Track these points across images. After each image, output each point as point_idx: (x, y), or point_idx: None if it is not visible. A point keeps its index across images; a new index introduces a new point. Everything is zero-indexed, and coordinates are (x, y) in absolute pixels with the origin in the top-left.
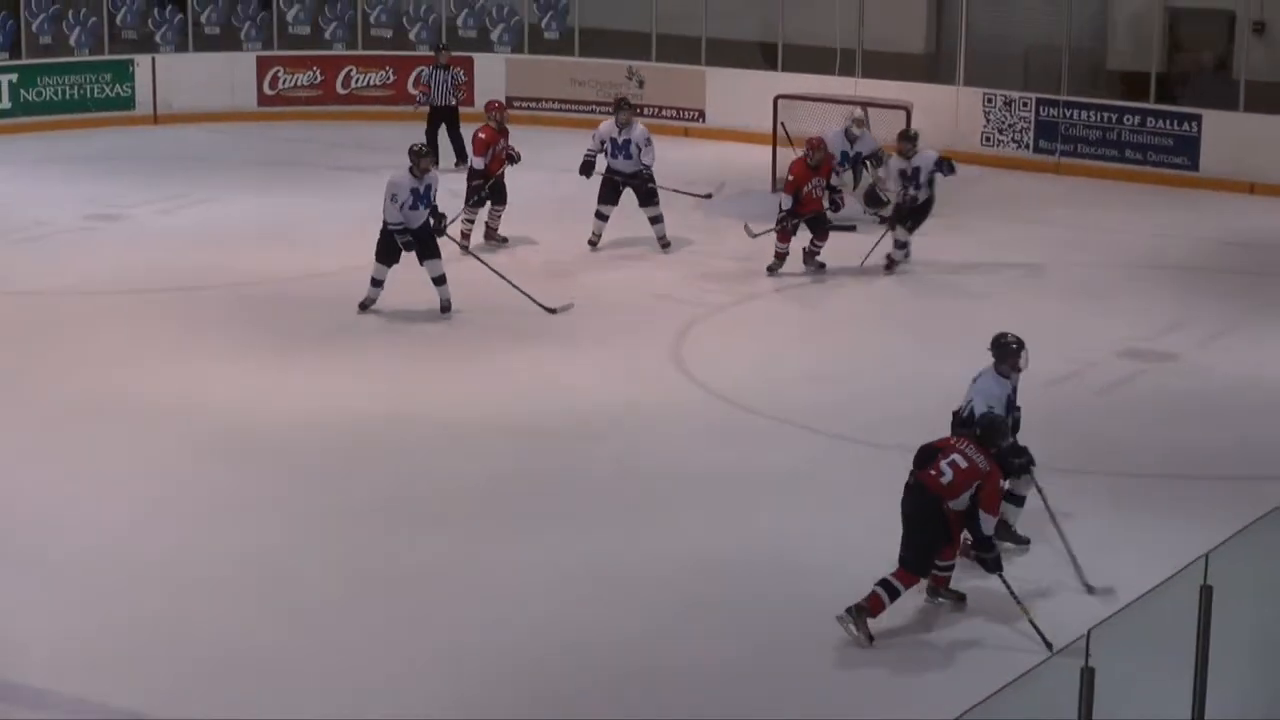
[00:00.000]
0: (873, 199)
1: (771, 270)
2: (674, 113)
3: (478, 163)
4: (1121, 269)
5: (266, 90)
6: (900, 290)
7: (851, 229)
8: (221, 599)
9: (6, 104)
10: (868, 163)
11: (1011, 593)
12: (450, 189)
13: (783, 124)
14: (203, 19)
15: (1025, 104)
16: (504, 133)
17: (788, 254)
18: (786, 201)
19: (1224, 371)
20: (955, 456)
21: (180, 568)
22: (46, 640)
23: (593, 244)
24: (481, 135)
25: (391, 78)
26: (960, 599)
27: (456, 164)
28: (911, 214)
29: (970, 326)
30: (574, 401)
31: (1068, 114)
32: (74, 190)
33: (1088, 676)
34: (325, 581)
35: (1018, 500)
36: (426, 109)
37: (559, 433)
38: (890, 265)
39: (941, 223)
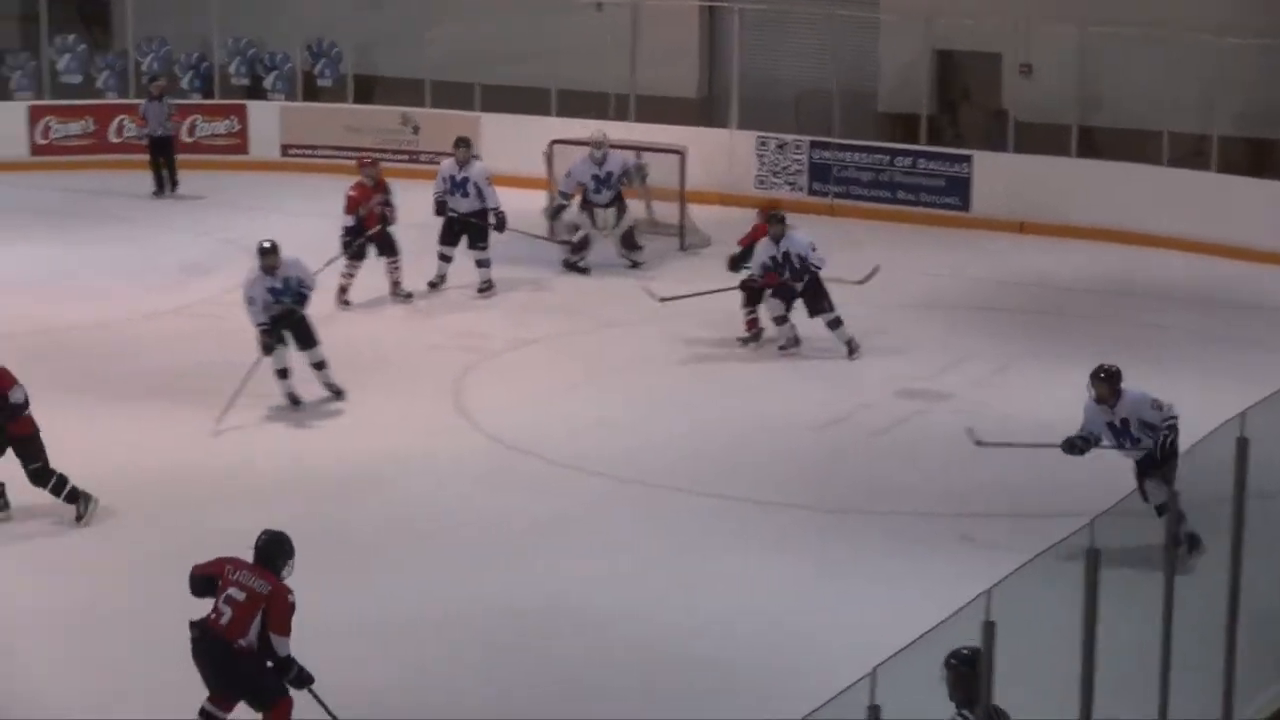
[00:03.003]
0: (629, 242)
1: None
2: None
3: (348, 220)
4: (896, 310)
5: (38, 139)
6: (672, 333)
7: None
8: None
9: None
10: (623, 183)
11: (326, 709)
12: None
13: (549, 153)
14: None
15: (798, 147)
16: (379, 187)
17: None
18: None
19: (1000, 410)
20: (231, 590)
21: None
22: None
23: (434, 285)
24: (352, 193)
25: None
26: None
27: (170, 190)
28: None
29: (744, 371)
30: (359, 447)
31: (840, 156)
32: None
33: (874, 714)
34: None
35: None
36: (145, 140)
37: (339, 481)
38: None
39: (716, 265)
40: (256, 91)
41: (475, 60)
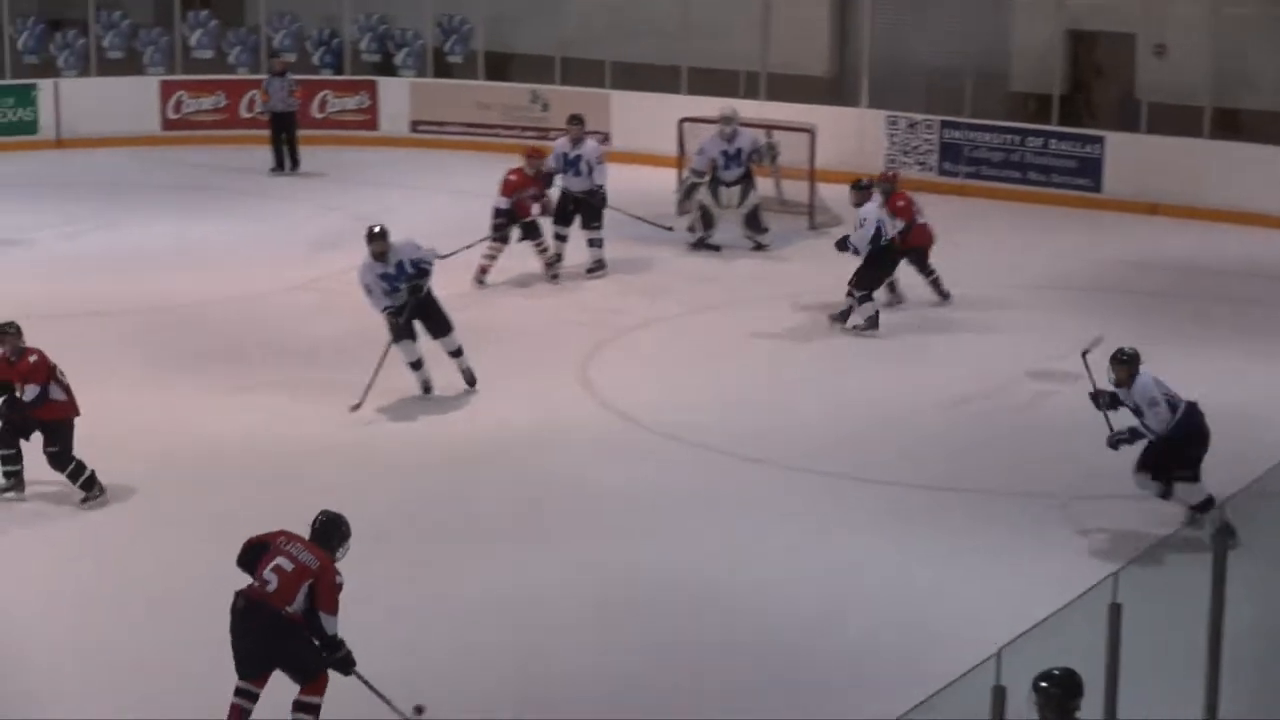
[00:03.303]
0: (753, 223)
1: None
2: None
3: (502, 202)
4: (1026, 290)
5: (170, 114)
6: (808, 313)
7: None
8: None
9: None
10: (754, 161)
11: (377, 693)
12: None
13: (680, 129)
14: (105, 43)
15: (929, 126)
16: (536, 180)
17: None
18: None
19: None
20: (280, 559)
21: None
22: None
23: (551, 264)
24: (512, 177)
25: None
26: None
27: (290, 169)
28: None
29: (875, 348)
30: (487, 421)
31: (971, 136)
32: None
33: (999, 695)
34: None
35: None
36: (267, 116)
37: (473, 458)
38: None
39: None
40: (386, 68)
41: (606, 36)
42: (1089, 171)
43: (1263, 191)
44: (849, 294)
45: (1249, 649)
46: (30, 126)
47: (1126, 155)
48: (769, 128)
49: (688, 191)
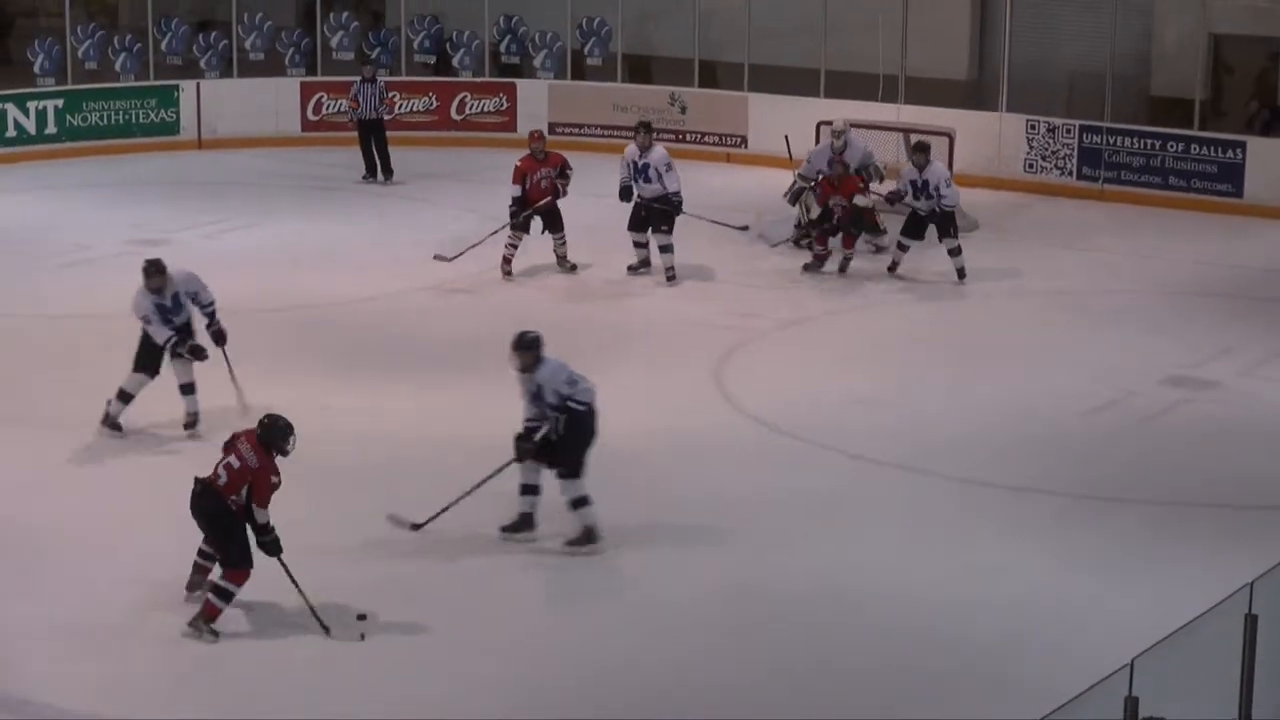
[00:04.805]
0: (869, 227)
1: (808, 268)
2: (716, 139)
3: (514, 190)
4: (1164, 296)
5: (310, 115)
6: (942, 315)
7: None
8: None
9: (53, 129)
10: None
11: (291, 579)
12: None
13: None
14: (247, 45)
15: (1068, 130)
16: (545, 162)
17: (827, 255)
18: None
19: (1268, 399)
20: (230, 458)
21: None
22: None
23: (633, 269)
24: (519, 164)
25: (435, 104)
26: (214, 635)
27: (381, 178)
28: (920, 223)
29: (1010, 352)
30: (617, 425)
31: (1111, 140)
32: (118, 215)
33: (1132, 706)
34: (363, 594)
35: None
36: (356, 122)
37: (603, 457)
38: (894, 266)
39: (984, 248)
40: (526, 70)
41: (745, 39)
42: (1230, 177)
43: None
44: (901, 245)
45: None
46: (172, 127)
47: (1268, 161)
48: (907, 131)
49: (795, 196)
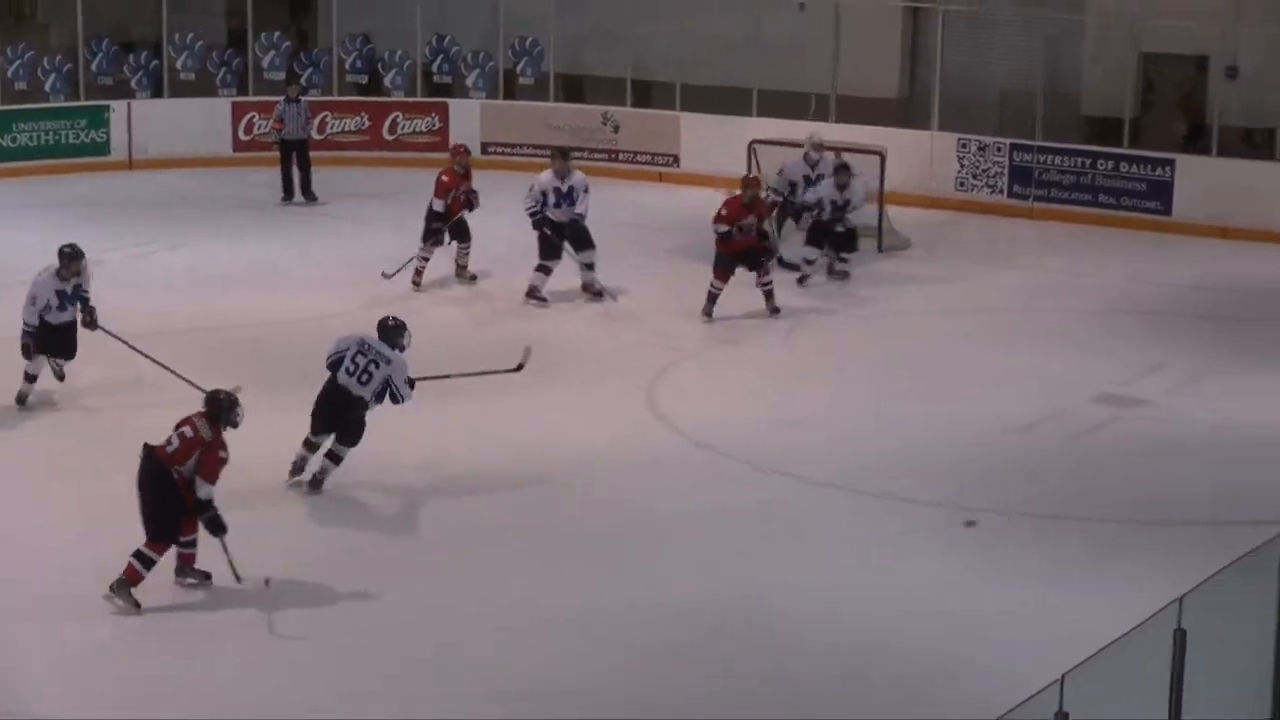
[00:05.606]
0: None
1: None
2: (649, 158)
3: (438, 205)
4: (1094, 314)
5: (241, 136)
6: (873, 334)
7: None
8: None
9: None
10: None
11: (231, 564)
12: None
13: (753, 149)
14: (178, 65)
15: (999, 149)
16: (466, 176)
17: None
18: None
19: (1198, 417)
20: (184, 429)
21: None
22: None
23: (531, 295)
24: (444, 178)
25: (366, 124)
26: (205, 577)
27: (302, 199)
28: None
29: (942, 370)
30: (550, 447)
31: (1041, 159)
32: (48, 236)
33: None
34: (316, 618)
35: None
36: (279, 143)
37: (537, 479)
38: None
39: (915, 267)
40: (458, 89)
41: (677, 59)
42: (1159, 194)
43: None
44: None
45: None
46: (103, 147)
47: (1197, 178)
48: (838, 149)
49: (778, 215)
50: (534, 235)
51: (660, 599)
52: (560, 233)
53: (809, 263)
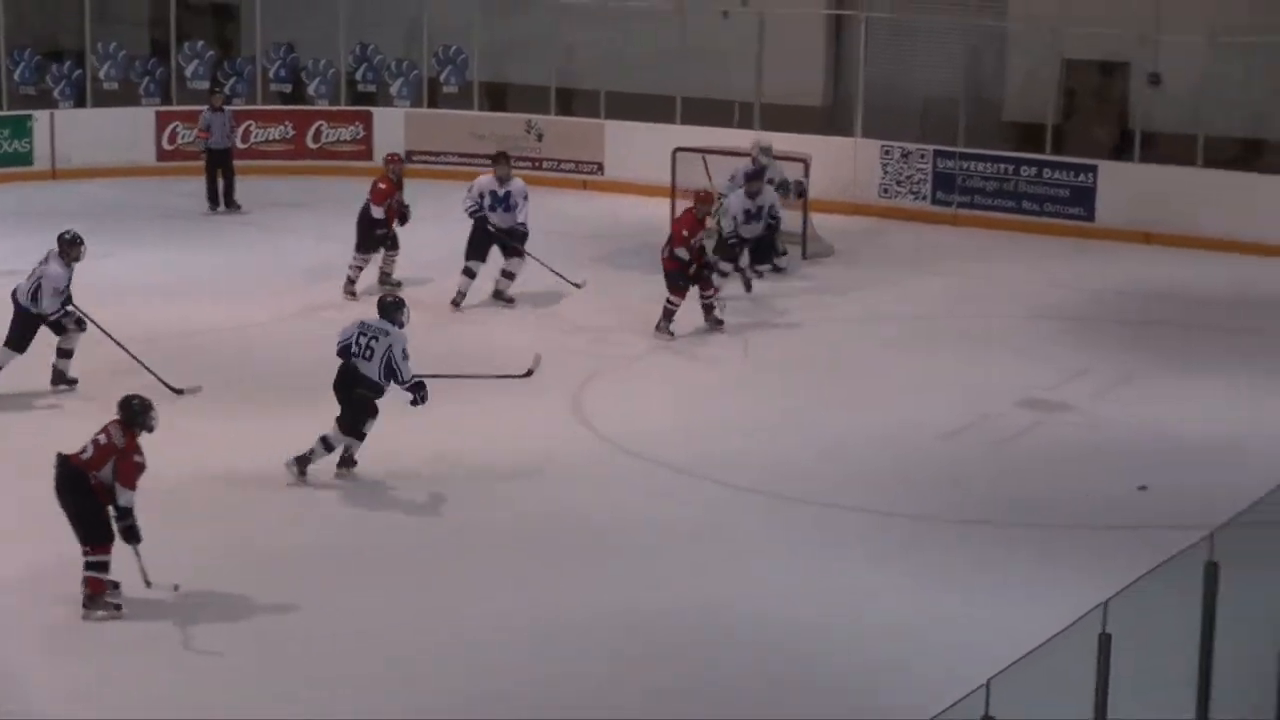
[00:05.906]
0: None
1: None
2: (573, 165)
3: (377, 211)
4: (1018, 319)
5: (165, 145)
6: (799, 342)
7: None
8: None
9: None
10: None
11: (143, 572)
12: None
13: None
14: (101, 74)
15: (923, 155)
16: (398, 186)
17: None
18: (682, 253)
19: (1121, 421)
20: (100, 435)
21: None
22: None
23: (456, 304)
24: (382, 186)
25: (290, 132)
26: (116, 608)
27: (224, 208)
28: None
29: (868, 377)
30: (480, 451)
31: (964, 165)
32: None
33: None
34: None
35: None
36: (206, 152)
37: (459, 484)
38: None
39: (839, 274)
40: (382, 98)
41: (602, 67)
42: (1082, 200)
43: (1256, 219)
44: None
45: (1237, 679)
46: (25, 157)
47: (1120, 184)
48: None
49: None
50: (462, 241)
51: (594, 607)
52: (496, 237)
53: (722, 275)
